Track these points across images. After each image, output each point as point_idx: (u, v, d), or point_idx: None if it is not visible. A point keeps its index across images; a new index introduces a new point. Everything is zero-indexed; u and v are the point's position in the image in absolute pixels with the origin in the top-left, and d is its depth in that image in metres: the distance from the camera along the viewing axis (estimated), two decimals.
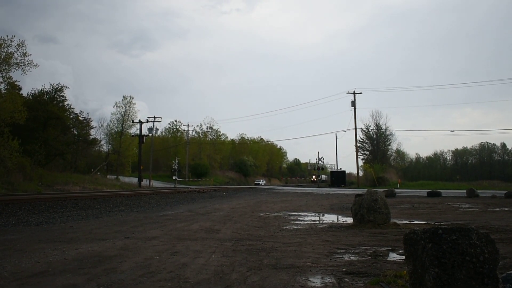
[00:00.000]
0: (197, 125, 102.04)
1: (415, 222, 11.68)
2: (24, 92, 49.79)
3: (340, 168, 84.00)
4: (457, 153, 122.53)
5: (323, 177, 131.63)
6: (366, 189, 11.74)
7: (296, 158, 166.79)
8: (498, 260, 3.43)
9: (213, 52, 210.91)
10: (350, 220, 11.53)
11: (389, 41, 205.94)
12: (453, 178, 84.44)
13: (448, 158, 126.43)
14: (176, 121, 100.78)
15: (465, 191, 30.12)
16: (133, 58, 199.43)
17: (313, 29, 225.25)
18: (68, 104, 54.18)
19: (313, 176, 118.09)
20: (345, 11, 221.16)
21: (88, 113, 68.80)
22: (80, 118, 58.36)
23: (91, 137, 62.78)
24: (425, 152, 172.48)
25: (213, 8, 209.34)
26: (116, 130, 69.11)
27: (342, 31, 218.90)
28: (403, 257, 4.96)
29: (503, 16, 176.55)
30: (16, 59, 35.66)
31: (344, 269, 5.32)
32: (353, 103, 63.39)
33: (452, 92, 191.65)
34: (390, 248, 7.03)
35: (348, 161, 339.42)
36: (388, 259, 6.11)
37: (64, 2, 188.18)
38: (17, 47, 35.59)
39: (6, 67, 35.64)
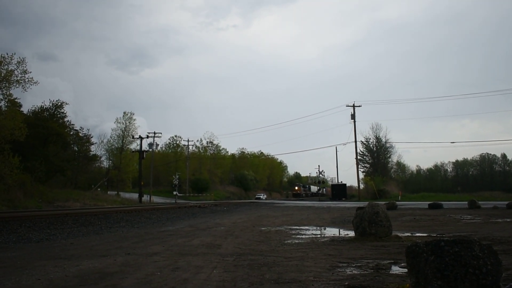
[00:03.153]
0: (197, 140, 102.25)
1: (417, 234, 11.63)
2: (25, 109, 50.01)
3: (341, 181, 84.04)
4: (457, 165, 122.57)
5: (314, 188, 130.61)
6: (367, 202, 11.71)
7: (296, 172, 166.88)
8: (501, 271, 3.42)
9: (211, 67, 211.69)
10: (351, 233, 11.49)
11: (385, 54, 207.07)
12: (454, 190, 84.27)
13: (448, 169, 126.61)
14: (176, 136, 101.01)
15: (466, 202, 30.04)
16: (132, 74, 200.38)
17: (310, 43, 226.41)
18: (68, 121, 54.48)
19: (296, 187, 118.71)
20: (341, 26, 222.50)
21: (88, 130, 68.93)
22: (80, 134, 58.52)
23: (91, 153, 62.96)
24: (426, 164, 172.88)
25: (210, 25, 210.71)
26: (116, 146, 69.26)
27: (339, 45, 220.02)
28: (406, 270, 4.94)
29: (498, 27, 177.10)
30: (17, 77, 35.92)
31: (346, 283, 5.29)
32: (353, 116, 63.49)
33: (450, 104, 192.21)
34: (393, 261, 6.99)
35: (349, 174, 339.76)
36: (390, 272, 6.08)
37: (63, 20, 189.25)
38: (17, 64, 35.85)
39: (7, 85, 35.83)
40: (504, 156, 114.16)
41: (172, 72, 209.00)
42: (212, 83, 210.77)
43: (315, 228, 14.68)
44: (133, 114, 70.29)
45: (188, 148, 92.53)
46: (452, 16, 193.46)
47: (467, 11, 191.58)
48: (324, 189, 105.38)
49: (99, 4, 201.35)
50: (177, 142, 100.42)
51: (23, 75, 36.06)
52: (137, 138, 64.06)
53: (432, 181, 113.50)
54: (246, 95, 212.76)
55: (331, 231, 13.42)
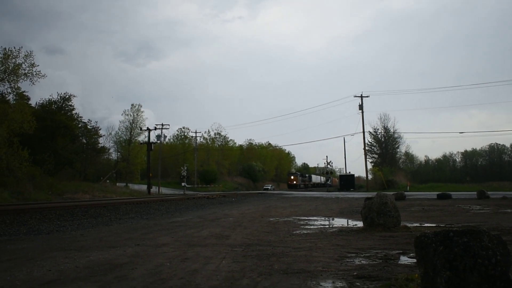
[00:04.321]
0: (205, 132, 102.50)
1: (426, 225, 11.62)
2: (33, 102, 50.18)
3: (349, 172, 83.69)
4: (466, 155, 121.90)
5: (316, 178, 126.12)
6: (376, 193, 11.70)
7: (304, 163, 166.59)
8: (510, 262, 3.41)
9: (218, 59, 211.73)
10: (360, 223, 11.49)
11: (393, 44, 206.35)
12: (463, 180, 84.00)
13: (457, 160, 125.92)
14: (184, 128, 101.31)
15: (475, 192, 29.92)
16: (139, 67, 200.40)
17: (317, 34, 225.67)
18: (76, 113, 54.61)
19: (291, 177, 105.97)
20: (348, 16, 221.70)
21: (96, 122, 69.07)
22: (88, 126, 58.65)
23: (99, 145, 63.03)
24: (434, 154, 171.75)
25: (215, 17, 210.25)
26: (124, 138, 69.38)
27: (346, 35, 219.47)
28: (414, 260, 4.94)
29: (505, 16, 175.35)
30: (24, 70, 35.88)
31: (355, 273, 5.30)
32: (361, 107, 63.19)
33: (458, 94, 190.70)
34: (401, 251, 6.99)
35: (357, 165, 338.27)
36: (399, 262, 6.08)
37: (70, 13, 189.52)
38: (24, 58, 35.82)
39: (15, 78, 35.85)
40: None
41: (179, 64, 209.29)
42: (219, 74, 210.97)
43: (323, 218, 14.69)
44: (141, 106, 70.33)
45: (196, 139, 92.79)
46: (458, 6, 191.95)
47: (474, 1, 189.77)
48: (330, 180, 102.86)
49: None
50: (185, 134, 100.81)
51: (30, 68, 36.07)
52: (145, 130, 64.17)
53: (441, 172, 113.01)
54: (253, 86, 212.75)
55: (340, 222, 13.42)
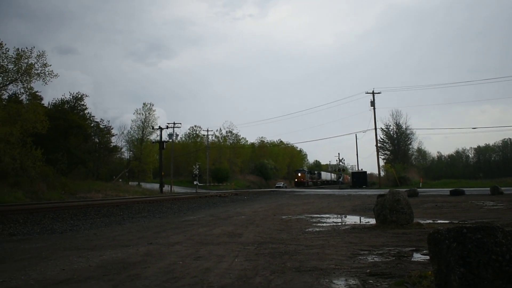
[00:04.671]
0: (217, 130, 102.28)
1: (439, 221, 11.55)
2: (45, 102, 50.61)
3: (361, 169, 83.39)
4: (479, 151, 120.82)
5: (327, 175, 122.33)
6: (388, 190, 11.65)
7: (316, 160, 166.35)
8: None
9: (229, 56, 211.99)
10: (372, 221, 11.45)
11: (405, 40, 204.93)
12: (476, 176, 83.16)
13: (470, 155, 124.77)
14: (195, 126, 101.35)
15: (488, 188, 29.71)
16: (149, 66, 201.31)
17: (327, 31, 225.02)
18: (88, 113, 55.06)
19: (299, 174, 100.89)
20: (357, 13, 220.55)
21: (108, 121, 69.19)
22: (100, 126, 59.09)
23: (112, 144, 63.49)
24: (447, 150, 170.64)
25: (226, 15, 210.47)
26: (136, 137, 69.69)
27: (355, 32, 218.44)
28: (428, 257, 4.92)
29: None
30: (37, 70, 36.16)
31: (368, 271, 5.29)
32: (372, 103, 62.88)
33: (471, 89, 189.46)
34: (414, 248, 6.96)
35: (369, 162, 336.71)
36: (412, 259, 6.06)
37: (81, 13, 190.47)
38: (37, 58, 36.10)
39: (28, 78, 36.13)
40: None
41: (189, 63, 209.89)
42: (229, 73, 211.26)
43: (335, 216, 14.66)
44: (153, 105, 70.60)
45: (208, 138, 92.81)
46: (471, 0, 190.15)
47: None
48: (341, 177, 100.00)
49: None
50: (197, 132, 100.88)
51: (43, 68, 36.33)
52: (157, 129, 64.36)
53: (454, 168, 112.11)
54: (264, 84, 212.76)
55: (352, 219, 13.38)
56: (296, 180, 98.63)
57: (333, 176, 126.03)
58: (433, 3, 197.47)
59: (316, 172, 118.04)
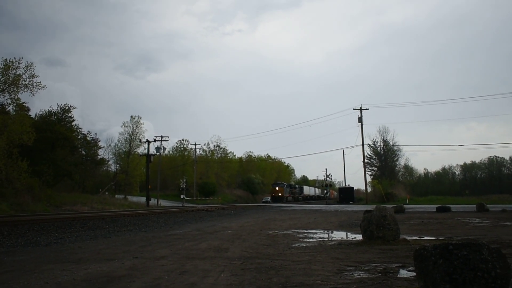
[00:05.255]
0: (204, 144, 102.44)
1: (425, 238, 11.58)
2: (32, 113, 50.26)
3: (348, 185, 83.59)
4: (465, 168, 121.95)
5: (310, 190, 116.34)
6: (375, 205, 11.68)
7: (304, 175, 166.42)
8: (510, 275, 3.40)
9: (218, 71, 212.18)
10: (359, 237, 11.46)
11: (391, 57, 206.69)
12: (462, 193, 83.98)
13: (456, 172, 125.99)
14: (183, 140, 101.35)
15: (474, 205, 29.87)
16: (138, 79, 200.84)
17: (316, 47, 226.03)
18: (76, 125, 54.81)
19: (276, 188, 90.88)
20: (346, 30, 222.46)
21: (96, 134, 68.92)
22: (88, 138, 58.77)
23: (99, 157, 63.10)
24: (433, 167, 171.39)
25: (215, 30, 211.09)
26: (123, 150, 69.40)
27: (344, 49, 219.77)
28: (414, 273, 4.92)
29: (501, 29, 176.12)
30: (25, 81, 36.06)
31: (354, 287, 5.28)
32: (360, 119, 63.30)
33: (457, 107, 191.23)
34: (401, 264, 6.97)
35: (356, 178, 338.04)
36: (398, 276, 6.06)
37: (71, 26, 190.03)
38: (25, 69, 36.05)
39: (15, 89, 35.99)
40: None
41: (178, 76, 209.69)
42: (218, 87, 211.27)
43: (322, 231, 14.65)
44: (140, 118, 70.46)
45: (195, 151, 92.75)
46: (456, 19, 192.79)
47: (471, 14, 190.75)
48: (327, 192, 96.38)
49: (105, 10, 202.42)
50: (184, 146, 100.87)
51: (31, 80, 36.25)
52: (144, 142, 64.22)
53: (440, 184, 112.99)
54: (252, 99, 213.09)
55: (339, 235, 13.38)
56: (273, 194, 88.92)
57: (318, 191, 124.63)
58: (421, 21, 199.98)
59: (297, 186, 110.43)
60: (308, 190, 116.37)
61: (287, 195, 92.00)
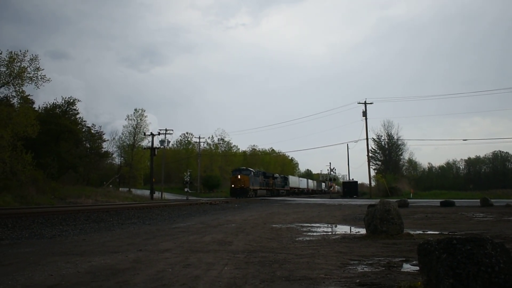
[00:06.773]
0: (209, 137, 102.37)
1: (429, 232, 11.58)
2: (37, 106, 50.34)
3: (352, 179, 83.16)
4: (469, 162, 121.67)
5: (300, 182, 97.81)
6: (379, 200, 11.67)
7: (308, 169, 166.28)
8: None
9: (222, 65, 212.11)
10: (363, 231, 11.46)
11: (398, 52, 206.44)
12: (466, 187, 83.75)
13: (460, 167, 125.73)
14: (187, 133, 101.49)
15: (478, 200, 29.83)
16: (142, 72, 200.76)
17: (320, 41, 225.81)
18: (80, 118, 54.83)
19: (238, 176, 60.19)
20: (350, 24, 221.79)
21: (100, 127, 69.18)
22: (92, 131, 58.86)
23: (103, 150, 63.21)
24: (438, 161, 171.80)
25: (219, 24, 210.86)
26: (128, 143, 69.61)
27: (348, 43, 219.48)
28: (417, 268, 4.92)
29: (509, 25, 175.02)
30: (29, 74, 36.04)
31: (357, 281, 5.28)
32: (364, 113, 63.09)
33: (461, 101, 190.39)
34: (404, 258, 6.97)
35: (360, 172, 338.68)
36: (402, 270, 6.06)
37: (75, 19, 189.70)
38: (30, 61, 35.98)
39: (19, 81, 35.98)
40: None
41: (182, 70, 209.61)
42: (222, 80, 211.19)
43: (326, 225, 14.65)
44: (144, 111, 70.65)
45: (200, 145, 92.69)
46: (465, 14, 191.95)
47: (481, 10, 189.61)
48: (324, 185, 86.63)
49: (109, 3, 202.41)
50: (189, 139, 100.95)
51: (35, 72, 36.22)
52: (149, 135, 64.22)
53: (444, 179, 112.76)
54: (256, 93, 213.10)
55: (342, 229, 13.38)
56: (232, 186, 60.67)
57: (314, 184, 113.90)
58: (427, 16, 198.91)
59: (277, 175, 79.72)
60: (295, 182, 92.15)
61: (257, 187, 64.14)
